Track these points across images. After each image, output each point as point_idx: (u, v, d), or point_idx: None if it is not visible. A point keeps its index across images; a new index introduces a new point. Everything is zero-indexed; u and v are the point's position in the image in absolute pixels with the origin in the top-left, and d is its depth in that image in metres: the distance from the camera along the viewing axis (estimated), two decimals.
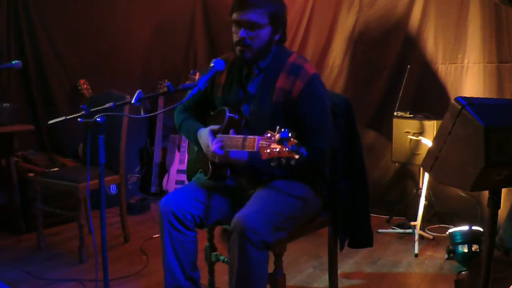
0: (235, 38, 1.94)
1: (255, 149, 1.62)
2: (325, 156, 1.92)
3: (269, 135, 1.57)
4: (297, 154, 1.49)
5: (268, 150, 1.54)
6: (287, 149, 1.50)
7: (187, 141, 4.27)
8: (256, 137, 1.65)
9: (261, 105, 1.95)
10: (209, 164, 1.98)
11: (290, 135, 1.50)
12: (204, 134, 1.98)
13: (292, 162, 1.52)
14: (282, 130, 1.51)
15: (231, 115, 1.95)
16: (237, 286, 1.77)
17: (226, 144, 1.89)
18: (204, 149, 1.98)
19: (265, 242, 1.76)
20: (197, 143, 2.04)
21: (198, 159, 2.17)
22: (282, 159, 1.53)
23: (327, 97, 2.01)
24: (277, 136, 1.52)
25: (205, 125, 2.09)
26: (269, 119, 1.91)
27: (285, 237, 1.90)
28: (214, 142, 1.89)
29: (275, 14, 1.92)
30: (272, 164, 1.56)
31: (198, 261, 2.08)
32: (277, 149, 1.52)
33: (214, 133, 1.94)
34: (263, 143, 1.59)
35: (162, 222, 1.96)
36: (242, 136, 1.75)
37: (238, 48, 1.94)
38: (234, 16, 1.93)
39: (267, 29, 1.92)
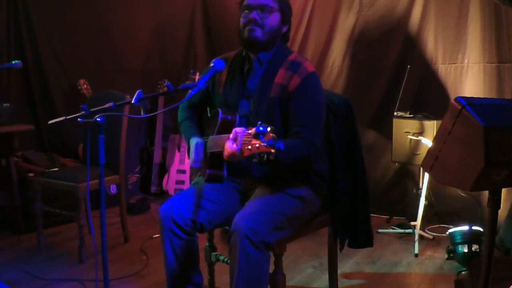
0: (245, 20, 1.97)
1: (239, 146, 1.61)
2: (316, 148, 1.91)
3: (249, 131, 1.56)
4: (273, 148, 1.48)
5: (249, 147, 1.53)
6: (264, 144, 1.48)
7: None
8: (239, 133, 1.64)
9: (259, 100, 1.96)
10: (206, 167, 1.98)
11: (268, 129, 1.48)
12: (192, 145, 2.02)
13: (271, 157, 1.51)
14: (259, 124, 1.49)
15: (224, 116, 1.95)
16: (238, 287, 1.77)
17: (211, 145, 1.89)
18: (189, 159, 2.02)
19: (266, 243, 1.76)
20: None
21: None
22: (262, 155, 1.52)
23: (323, 96, 2.00)
24: (253, 130, 1.51)
25: (203, 126, 2.11)
26: (266, 115, 1.92)
27: (285, 237, 1.90)
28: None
29: (284, 4, 2.00)
30: (254, 160, 1.55)
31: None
32: (257, 145, 1.50)
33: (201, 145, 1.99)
34: (245, 139, 1.57)
35: (162, 229, 1.96)
36: (226, 135, 1.75)
37: (247, 28, 1.96)
38: (246, 1, 1.98)
39: (277, 14, 1.98)
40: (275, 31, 1.98)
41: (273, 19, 1.97)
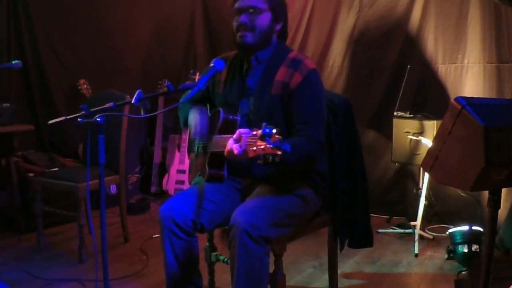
0: (236, 24, 1.99)
1: (243, 147, 1.61)
2: (321, 145, 1.91)
3: (254, 132, 1.56)
4: (280, 150, 1.48)
5: (254, 148, 1.53)
6: (270, 145, 1.49)
7: (187, 141, 4.27)
8: (243, 135, 1.64)
9: (260, 99, 1.96)
10: (206, 167, 1.98)
11: (274, 131, 1.49)
12: (194, 115, 2.01)
13: (277, 159, 1.52)
14: (265, 126, 1.50)
15: (225, 116, 1.95)
16: (239, 281, 1.77)
17: (215, 145, 1.90)
18: (194, 125, 1.99)
19: (265, 237, 1.75)
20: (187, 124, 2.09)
21: (197, 163, 2.17)
22: (267, 156, 1.52)
23: (324, 93, 2.01)
24: (259, 132, 1.51)
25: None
26: (267, 113, 1.92)
27: (285, 234, 1.90)
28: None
29: (273, 2, 1.98)
30: (258, 161, 1.55)
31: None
32: (262, 146, 1.51)
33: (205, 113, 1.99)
34: (250, 140, 1.57)
35: (162, 229, 1.96)
36: (229, 135, 1.75)
37: (239, 34, 1.97)
38: (236, 5, 1.99)
39: (267, 14, 1.97)
40: (266, 31, 1.98)
41: (263, 19, 1.96)
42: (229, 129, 1.91)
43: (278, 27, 2.02)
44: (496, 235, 2.82)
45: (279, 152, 1.49)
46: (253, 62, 2.02)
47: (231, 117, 1.96)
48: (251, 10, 1.95)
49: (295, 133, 1.90)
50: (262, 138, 1.50)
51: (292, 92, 1.92)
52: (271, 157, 1.52)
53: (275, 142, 1.48)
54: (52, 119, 1.96)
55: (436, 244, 3.32)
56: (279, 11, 2.00)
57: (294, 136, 1.89)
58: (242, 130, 1.65)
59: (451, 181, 1.36)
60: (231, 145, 1.67)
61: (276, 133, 1.49)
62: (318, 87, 1.97)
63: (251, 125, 1.91)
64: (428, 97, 3.78)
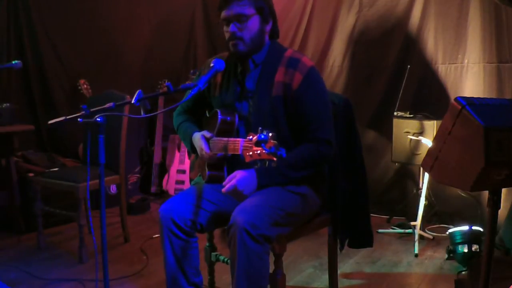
0: (227, 35, 1.98)
1: (239, 152, 1.63)
2: (331, 145, 1.93)
3: (250, 137, 1.58)
4: (275, 156, 1.51)
5: (250, 153, 1.56)
6: (265, 151, 1.51)
7: None
8: (239, 139, 1.65)
9: (260, 100, 1.96)
10: (206, 168, 1.98)
11: (269, 136, 1.51)
12: (197, 139, 2.00)
13: (273, 164, 1.54)
14: (260, 132, 1.52)
15: (223, 117, 1.95)
16: (238, 280, 1.76)
17: (213, 147, 1.91)
18: (199, 153, 1.99)
19: (265, 236, 1.75)
20: (193, 147, 2.06)
21: (197, 163, 2.17)
22: (264, 161, 1.55)
23: (326, 90, 2.02)
24: (255, 138, 1.53)
25: (201, 127, 2.10)
26: (269, 114, 1.92)
27: (285, 233, 1.90)
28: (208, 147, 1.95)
29: (260, 3, 1.95)
30: (256, 166, 1.58)
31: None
32: (258, 152, 1.53)
33: (206, 140, 1.97)
34: (246, 145, 1.60)
35: (162, 229, 1.95)
36: (226, 139, 1.76)
37: (231, 43, 1.96)
38: (222, 15, 1.98)
39: (255, 18, 1.94)
40: (257, 36, 1.96)
41: (252, 25, 1.94)
42: (227, 130, 1.91)
43: (268, 27, 2.00)
44: (496, 235, 2.82)
45: (275, 159, 1.52)
46: (250, 65, 2.00)
47: (229, 118, 1.96)
48: (238, 18, 1.93)
49: (305, 138, 1.92)
50: (258, 144, 1.52)
51: (295, 93, 1.92)
52: (267, 162, 1.54)
53: (271, 148, 1.50)
54: (52, 119, 1.96)
55: (436, 244, 3.32)
56: (266, 11, 1.97)
57: (304, 141, 1.91)
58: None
59: (451, 181, 1.37)
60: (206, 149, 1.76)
61: (271, 138, 1.50)
62: (320, 85, 1.98)
63: (251, 128, 1.91)
64: (428, 97, 3.79)
